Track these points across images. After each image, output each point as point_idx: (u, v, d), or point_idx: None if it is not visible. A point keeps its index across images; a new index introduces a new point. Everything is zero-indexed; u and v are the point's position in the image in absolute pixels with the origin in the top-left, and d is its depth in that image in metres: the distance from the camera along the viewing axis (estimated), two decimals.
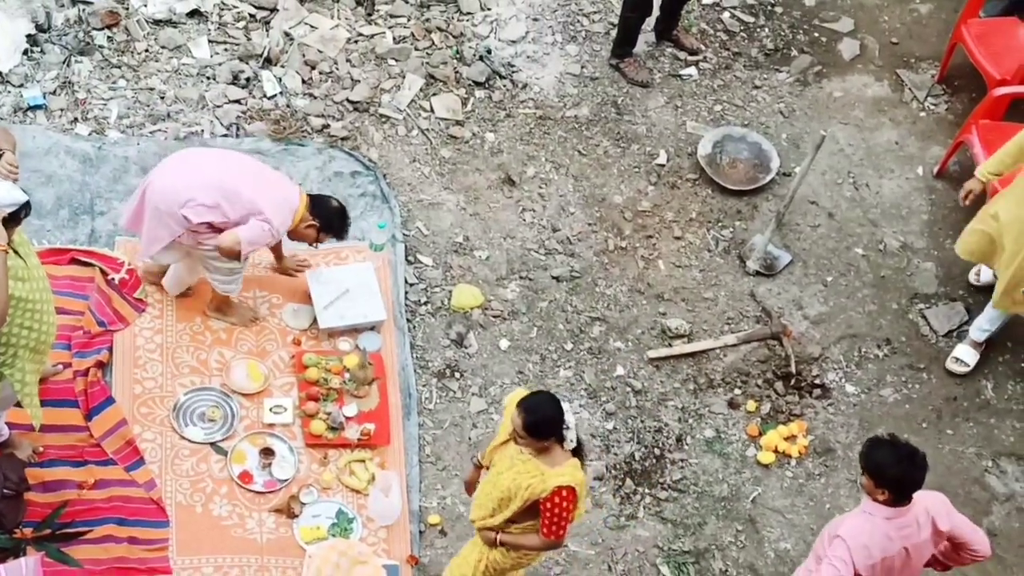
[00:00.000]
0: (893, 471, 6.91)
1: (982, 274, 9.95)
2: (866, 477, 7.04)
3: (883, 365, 9.81)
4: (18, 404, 7.90)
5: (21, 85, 10.17)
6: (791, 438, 9.37)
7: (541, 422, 7.04)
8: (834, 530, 7.13)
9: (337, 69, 10.72)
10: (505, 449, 7.34)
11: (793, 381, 9.62)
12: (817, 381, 9.67)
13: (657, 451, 9.24)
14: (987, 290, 9.75)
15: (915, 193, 10.68)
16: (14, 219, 7.24)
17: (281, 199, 8.68)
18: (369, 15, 11.11)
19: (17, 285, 7.33)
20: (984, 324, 9.58)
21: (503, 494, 7.25)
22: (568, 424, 7.05)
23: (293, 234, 8.88)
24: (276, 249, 9.23)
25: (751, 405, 9.49)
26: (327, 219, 8.82)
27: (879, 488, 6.97)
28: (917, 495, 7.07)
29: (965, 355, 9.69)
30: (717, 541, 8.93)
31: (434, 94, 10.76)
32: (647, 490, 9.08)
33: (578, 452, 7.23)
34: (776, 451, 9.30)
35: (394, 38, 11.01)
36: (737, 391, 9.58)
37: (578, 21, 11.38)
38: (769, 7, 11.73)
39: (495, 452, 7.45)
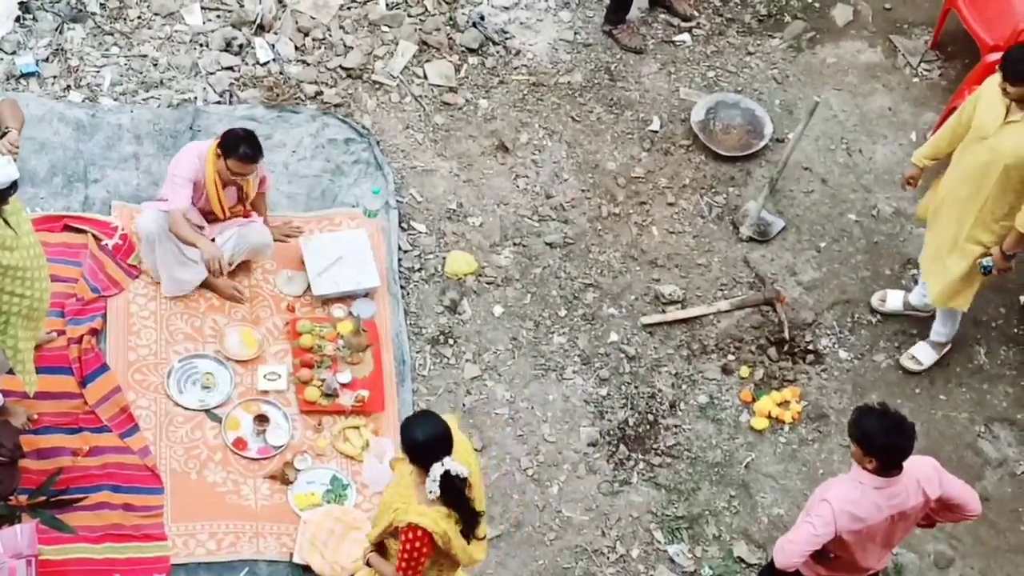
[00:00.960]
0: (881, 440, 6.91)
1: (888, 300, 9.94)
2: (855, 445, 7.06)
3: (876, 331, 9.82)
4: (12, 371, 7.92)
5: (13, 52, 10.15)
6: (784, 404, 9.39)
7: (404, 432, 6.79)
8: (823, 493, 7.15)
9: (330, 36, 10.70)
10: (404, 462, 6.99)
11: (786, 347, 9.64)
12: (810, 347, 9.68)
13: (651, 417, 9.26)
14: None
15: (908, 159, 10.59)
16: (2, 198, 7.26)
17: (185, 153, 8.84)
18: None
19: (5, 254, 7.35)
20: (939, 327, 9.57)
21: (381, 508, 7.04)
22: (434, 474, 6.61)
23: (221, 175, 8.83)
24: (257, 207, 9.29)
25: (744, 371, 9.51)
26: (224, 145, 8.71)
27: (867, 456, 6.98)
28: (908, 463, 7.08)
29: (921, 353, 9.66)
30: (711, 506, 8.96)
31: (427, 60, 10.74)
32: (641, 456, 9.10)
33: (470, 520, 6.84)
34: (769, 417, 9.32)
35: (387, 4, 10.98)
36: (731, 357, 9.60)
37: None
38: None
39: (396, 462, 7.24)
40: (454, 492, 6.69)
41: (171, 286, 9.13)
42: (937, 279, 9.12)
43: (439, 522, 6.70)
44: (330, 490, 8.55)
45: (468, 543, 6.91)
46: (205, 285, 9.23)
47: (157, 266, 9.08)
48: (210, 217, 9.08)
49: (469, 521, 6.84)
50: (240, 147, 8.64)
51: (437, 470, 6.61)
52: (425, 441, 6.70)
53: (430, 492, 6.64)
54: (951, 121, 8.92)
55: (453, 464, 6.65)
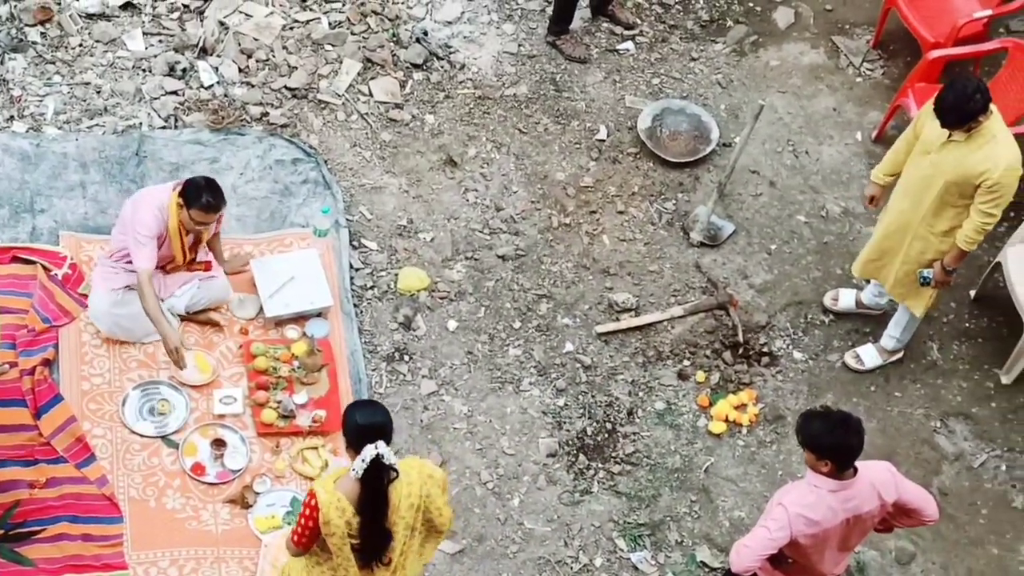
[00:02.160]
0: (829, 440, 6.94)
1: (840, 299, 10.00)
2: (806, 452, 7.08)
3: (829, 331, 9.87)
4: None
5: None
6: (741, 407, 9.42)
7: (346, 413, 6.91)
8: (779, 498, 7.18)
9: (274, 56, 10.68)
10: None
11: (741, 350, 9.67)
12: (765, 349, 9.72)
13: (609, 425, 9.26)
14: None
15: (855, 159, 10.74)
16: None
17: (144, 206, 8.65)
18: (303, 1, 11.07)
19: None
20: (892, 331, 9.62)
21: None
22: (365, 454, 6.62)
23: (184, 225, 8.74)
24: (212, 246, 9.27)
25: (700, 376, 9.53)
26: (186, 195, 8.61)
27: (821, 460, 7.00)
28: (863, 467, 7.11)
29: (866, 354, 9.71)
30: (672, 512, 8.97)
31: (372, 78, 10.73)
32: (600, 465, 9.11)
33: (373, 537, 6.88)
34: (727, 420, 9.34)
35: (330, 23, 10.97)
36: (686, 362, 9.62)
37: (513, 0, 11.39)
38: None
39: None
40: (375, 483, 6.72)
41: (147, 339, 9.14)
42: (887, 278, 9.20)
43: (332, 506, 6.71)
44: (290, 512, 8.52)
45: (369, 568, 6.97)
46: (192, 319, 9.21)
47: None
48: (169, 265, 9.02)
49: (372, 538, 6.86)
50: (203, 196, 8.56)
51: (370, 451, 6.63)
52: (364, 424, 6.75)
53: (354, 470, 6.66)
54: (905, 134, 8.95)
55: (389, 453, 6.68)
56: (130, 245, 8.67)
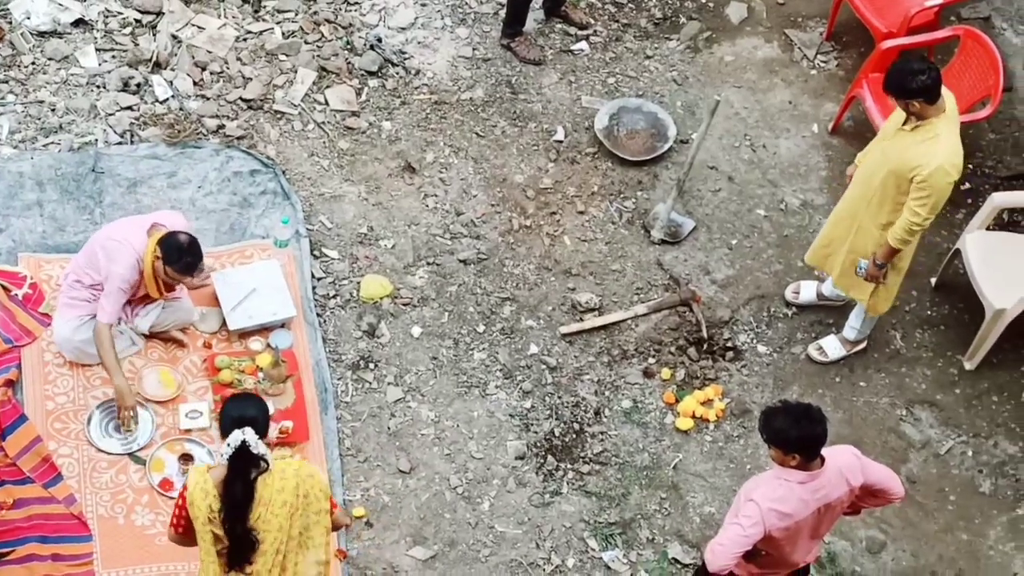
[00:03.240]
0: (795, 434, 6.96)
1: (801, 292, 10.04)
2: (772, 449, 7.10)
3: (792, 323, 9.90)
4: None
5: None
6: (708, 402, 9.44)
7: (224, 406, 7.08)
8: (749, 493, 7.18)
9: (228, 68, 10.65)
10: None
11: (705, 346, 9.69)
12: (729, 344, 9.74)
13: (576, 426, 9.27)
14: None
15: (812, 151, 10.77)
16: None
17: (124, 257, 8.57)
18: (256, 12, 11.04)
19: None
20: (853, 322, 9.66)
21: None
22: (232, 439, 6.76)
23: (157, 275, 8.67)
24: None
25: (666, 373, 9.54)
26: (165, 252, 8.50)
27: (788, 455, 7.02)
28: (829, 455, 7.14)
29: (828, 345, 9.75)
30: (642, 510, 8.99)
31: (327, 86, 10.71)
32: (569, 465, 9.11)
33: (238, 540, 6.96)
34: (694, 416, 9.36)
35: (283, 33, 10.95)
36: (651, 360, 9.63)
37: (466, 3, 11.36)
38: None
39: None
40: (240, 469, 6.85)
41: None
42: (832, 268, 9.25)
43: (198, 487, 6.87)
44: None
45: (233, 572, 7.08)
46: (154, 335, 9.17)
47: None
48: (145, 299, 9.00)
49: (234, 532, 6.94)
50: (183, 258, 8.51)
51: (236, 436, 6.78)
52: (236, 416, 6.88)
53: (221, 454, 6.82)
54: (890, 119, 8.98)
55: (257, 441, 6.80)
56: (103, 293, 8.64)
